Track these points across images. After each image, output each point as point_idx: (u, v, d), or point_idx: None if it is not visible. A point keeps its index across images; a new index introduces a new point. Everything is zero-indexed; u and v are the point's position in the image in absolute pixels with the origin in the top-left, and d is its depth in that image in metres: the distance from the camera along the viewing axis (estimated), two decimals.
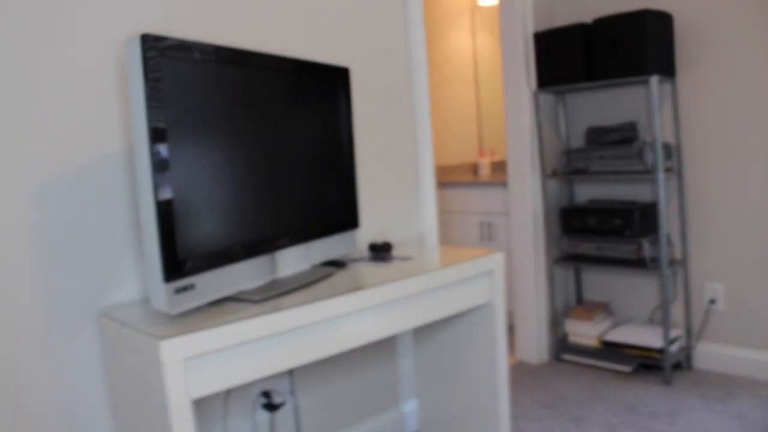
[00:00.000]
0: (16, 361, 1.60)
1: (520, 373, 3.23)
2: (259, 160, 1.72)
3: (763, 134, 2.82)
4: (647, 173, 2.93)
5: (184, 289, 1.48)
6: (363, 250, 2.41)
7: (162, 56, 1.42)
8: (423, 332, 2.49)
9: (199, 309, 1.60)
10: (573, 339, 3.32)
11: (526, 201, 3.30)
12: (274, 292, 1.70)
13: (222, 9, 2.00)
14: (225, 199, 1.61)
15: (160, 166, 1.41)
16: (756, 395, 2.74)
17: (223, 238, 1.60)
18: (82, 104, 1.69)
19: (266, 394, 2.13)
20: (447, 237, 4.20)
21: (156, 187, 1.41)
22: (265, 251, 1.74)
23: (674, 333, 3.06)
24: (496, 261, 2.17)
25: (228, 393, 2.03)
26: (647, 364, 3.12)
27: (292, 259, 1.90)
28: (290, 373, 2.20)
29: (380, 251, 2.26)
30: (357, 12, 2.42)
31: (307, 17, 2.25)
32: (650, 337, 3.05)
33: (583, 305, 3.43)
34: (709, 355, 3.09)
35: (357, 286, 1.76)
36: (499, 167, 4.57)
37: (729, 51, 2.87)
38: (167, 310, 1.44)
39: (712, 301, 3.05)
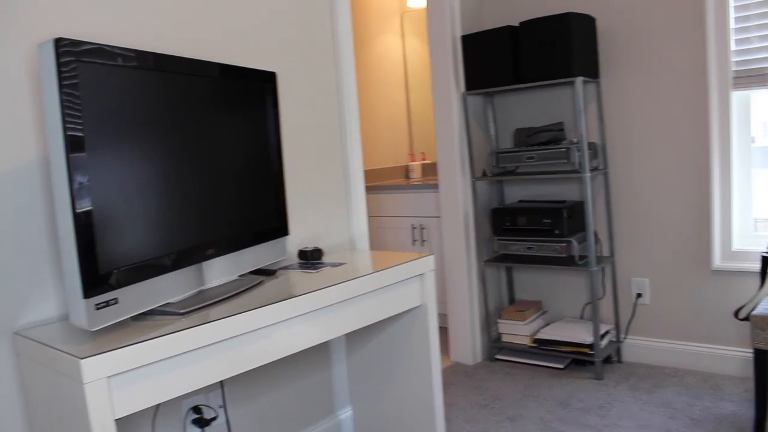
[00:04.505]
0: None
1: (455, 374, 3.25)
2: (185, 168, 1.67)
3: (681, 134, 2.92)
4: (575, 173, 2.99)
5: (106, 304, 1.42)
6: (293, 257, 2.38)
7: (78, 61, 1.36)
8: (356, 338, 2.47)
9: (123, 324, 1.54)
10: (506, 338, 3.36)
11: (457, 203, 3.33)
12: (201, 304, 1.65)
13: (145, 14, 1.94)
14: (148, 210, 1.56)
15: (77, 176, 1.35)
16: (681, 384, 2.84)
17: (147, 250, 1.55)
18: None
19: (196, 409, 2.07)
20: (379, 242, 4.19)
21: (74, 198, 1.35)
22: (191, 262, 1.69)
23: (604, 328, 3.14)
24: (426, 264, 2.17)
25: (156, 410, 1.96)
26: (579, 359, 3.19)
27: (220, 269, 1.85)
28: (221, 385, 2.14)
29: (310, 258, 2.23)
30: (283, 15, 2.39)
31: (232, 21, 2.20)
32: (581, 334, 3.12)
33: (515, 305, 3.48)
34: (637, 348, 3.18)
35: (286, 294, 1.73)
36: (431, 170, 4.59)
37: (648, 52, 2.97)
38: (87, 326, 1.38)
39: (639, 296, 3.14)
